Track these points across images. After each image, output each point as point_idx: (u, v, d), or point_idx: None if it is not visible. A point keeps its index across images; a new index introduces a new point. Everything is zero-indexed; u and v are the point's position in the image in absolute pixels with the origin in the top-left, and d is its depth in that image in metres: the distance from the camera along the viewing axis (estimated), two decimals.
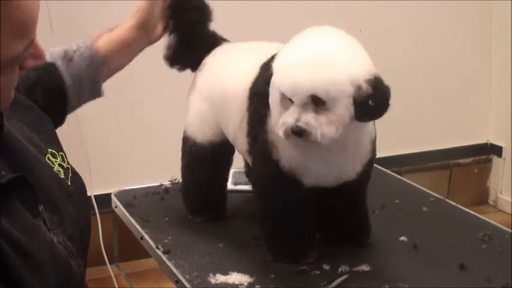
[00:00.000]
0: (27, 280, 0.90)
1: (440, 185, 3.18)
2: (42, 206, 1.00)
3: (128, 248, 2.61)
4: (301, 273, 1.27)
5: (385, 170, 1.86)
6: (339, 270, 1.28)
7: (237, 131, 1.36)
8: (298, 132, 1.15)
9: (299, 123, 1.15)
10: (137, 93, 2.57)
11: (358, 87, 1.15)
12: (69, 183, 1.10)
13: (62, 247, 1.01)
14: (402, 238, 1.41)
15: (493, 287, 1.23)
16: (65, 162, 1.13)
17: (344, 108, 1.15)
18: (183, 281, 1.26)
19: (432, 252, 1.35)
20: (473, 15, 3.17)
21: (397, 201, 1.60)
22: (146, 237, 1.44)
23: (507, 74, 3.14)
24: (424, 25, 3.09)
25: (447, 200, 1.64)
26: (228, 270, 1.29)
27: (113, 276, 2.57)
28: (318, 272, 1.28)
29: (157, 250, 1.38)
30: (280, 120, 1.18)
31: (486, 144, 3.34)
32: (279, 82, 1.18)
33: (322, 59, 1.15)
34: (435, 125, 3.20)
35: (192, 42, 1.47)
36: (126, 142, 2.62)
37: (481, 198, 3.36)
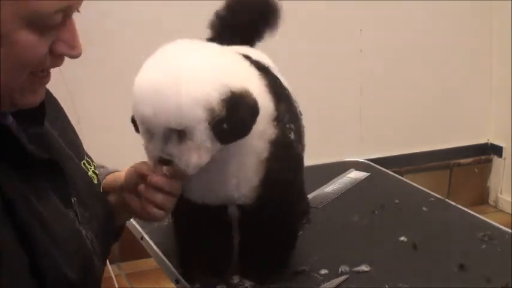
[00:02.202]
0: (53, 253, 0.92)
1: (441, 185, 3.18)
2: (74, 199, 1.02)
3: (128, 248, 2.61)
4: (301, 274, 1.27)
5: (385, 170, 1.86)
6: (339, 270, 1.28)
7: None
8: (165, 162, 1.10)
9: (163, 155, 1.09)
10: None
11: (211, 110, 1.06)
12: (101, 190, 1.14)
13: (89, 242, 1.04)
14: (402, 238, 1.40)
15: (493, 287, 1.23)
16: (96, 171, 1.17)
17: (202, 134, 1.07)
18: (183, 280, 1.26)
19: (432, 252, 1.35)
20: (473, 15, 3.17)
21: (397, 201, 1.60)
22: (146, 237, 1.44)
23: (507, 74, 3.14)
24: (424, 25, 3.09)
25: (447, 200, 1.64)
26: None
27: (113, 276, 2.57)
28: (318, 272, 1.28)
29: (157, 250, 1.39)
30: (148, 149, 1.12)
31: (486, 144, 3.34)
32: (134, 114, 1.11)
33: (166, 87, 1.05)
34: (435, 125, 3.20)
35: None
36: (126, 142, 2.61)
37: (481, 198, 3.36)
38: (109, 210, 1.16)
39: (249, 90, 1.09)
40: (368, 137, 3.11)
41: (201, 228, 1.24)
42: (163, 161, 1.10)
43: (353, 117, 3.08)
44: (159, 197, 1.12)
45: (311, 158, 1.48)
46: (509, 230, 1.45)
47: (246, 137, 1.11)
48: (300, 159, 1.24)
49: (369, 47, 3.02)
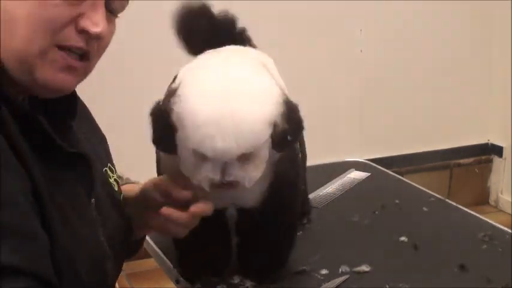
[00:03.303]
0: (69, 247, 0.91)
1: (441, 185, 3.18)
2: (93, 199, 1.03)
3: None
4: (301, 274, 1.27)
5: (385, 170, 1.86)
6: (340, 270, 1.28)
7: None
8: (227, 185, 1.05)
9: (227, 178, 1.04)
10: (138, 90, 2.57)
11: (274, 126, 1.05)
12: (121, 199, 1.14)
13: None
14: (402, 238, 1.40)
15: (493, 287, 1.23)
16: (118, 179, 1.18)
17: (265, 150, 1.07)
18: (184, 280, 1.26)
19: (432, 252, 1.35)
20: (474, 15, 3.17)
21: (397, 201, 1.60)
22: (146, 237, 1.44)
23: (507, 74, 3.14)
24: (424, 25, 3.09)
25: (447, 200, 1.64)
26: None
27: None
28: (318, 272, 1.28)
29: (157, 250, 1.39)
30: (203, 174, 1.05)
31: (487, 144, 3.34)
32: (196, 146, 1.03)
33: (239, 111, 1.01)
34: (435, 125, 3.20)
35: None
36: (126, 142, 2.62)
37: (482, 198, 3.37)
38: (125, 220, 1.15)
39: (286, 94, 1.10)
40: (368, 137, 3.11)
41: (197, 229, 1.23)
42: (225, 185, 1.05)
43: (353, 117, 3.08)
44: (184, 216, 1.09)
45: (311, 158, 1.48)
46: (510, 230, 1.45)
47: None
48: (298, 159, 1.25)
49: (369, 47, 3.02)
